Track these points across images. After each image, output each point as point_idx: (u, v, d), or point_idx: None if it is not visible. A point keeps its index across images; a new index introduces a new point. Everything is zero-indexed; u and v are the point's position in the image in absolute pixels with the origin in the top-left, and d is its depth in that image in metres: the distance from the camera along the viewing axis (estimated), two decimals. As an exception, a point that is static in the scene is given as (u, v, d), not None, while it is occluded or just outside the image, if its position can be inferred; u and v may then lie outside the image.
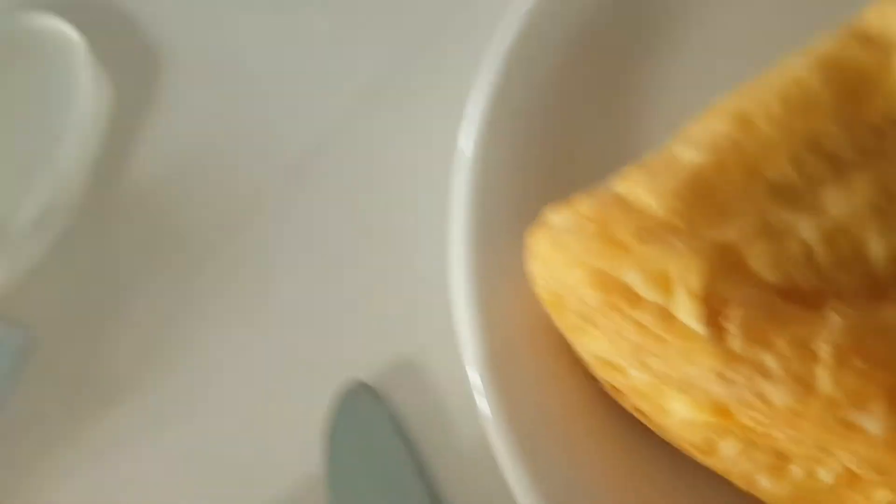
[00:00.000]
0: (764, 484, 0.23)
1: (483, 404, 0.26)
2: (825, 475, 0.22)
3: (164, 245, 0.33)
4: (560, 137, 0.29)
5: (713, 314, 0.21)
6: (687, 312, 0.22)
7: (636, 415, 0.26)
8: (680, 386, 0.23)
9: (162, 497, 0.31)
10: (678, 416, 0.24)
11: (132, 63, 0.36)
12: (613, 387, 0.25)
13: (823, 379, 0.20)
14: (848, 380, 0.20)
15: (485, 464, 0.27)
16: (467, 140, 0.28)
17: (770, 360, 0.21)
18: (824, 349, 0.21)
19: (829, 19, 0.27)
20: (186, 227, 0.33)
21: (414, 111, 0.33)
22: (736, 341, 0.21)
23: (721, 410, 0.22)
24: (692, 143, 0.24)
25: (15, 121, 0.38)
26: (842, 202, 0.23)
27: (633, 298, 0.22)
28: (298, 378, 0.31)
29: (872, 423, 0.20)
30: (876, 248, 0.22)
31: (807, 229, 0.22)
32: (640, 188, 0.24)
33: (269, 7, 0.37)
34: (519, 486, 0.25)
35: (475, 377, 0.26)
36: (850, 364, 0.20)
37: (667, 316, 0.22)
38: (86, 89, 0.37)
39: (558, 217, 0.25)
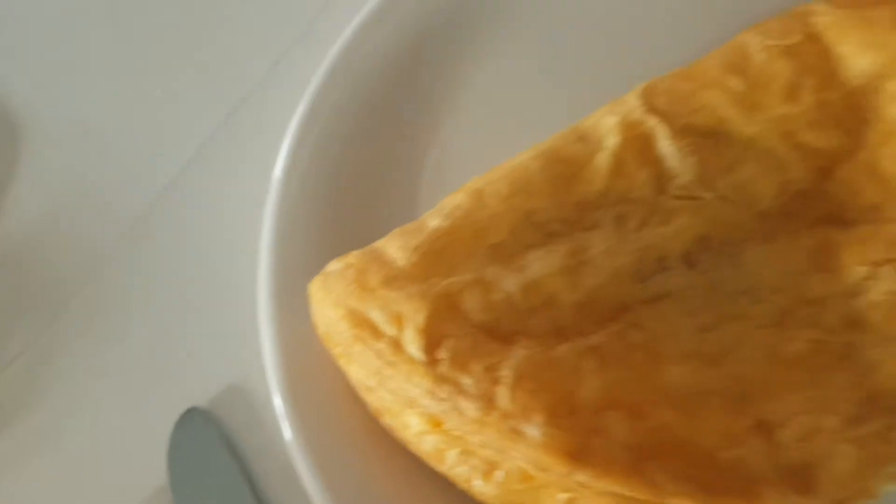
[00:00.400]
0: (478, 486, 0.29)
1: (284, 426, 0.32)
2: (515, 476, 0.28)
3: (28, 295, 0.38)
4: (350, 204, 0.35)
5: (431, 345, 0.28)
6: (412, 343, 0.28)
7: (390, 432, 0.32)
8: (410, 403, 0.29)
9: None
10: (413, 429, 0.30)
11: None
12: (374, 407, 0.32)
13: (503, 396, 0.27)
14: (519, 397, 0.27)
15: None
16: (271, 201, 0.35)
17: (467, 382, 0.27)
18: (506, 374, 0.27)
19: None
20: (47, 278, 0.38)
21: (238, 164, 0.39)
22: (445, 366, 0.27)
23: (436, 422, 0.28)
24: (438, 211, 0.31)
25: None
26: (541, 263, 0.29)
27: (375, 332, 0.28)
28: (145, 408, 0.36)
29: (534, 430, 0.26)
30: (564, 299, 0.29)
31: (511, 283, 0.29)
32: (393, 245, 0.30)
33: (114, 77, 0.42)
34: (314, 493, 0.31)
35: (278, 403, 0.33)
36: (522, 386, 0.27)
37: (398, 346, 0.28)
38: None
39: (333, 266, 0.31)
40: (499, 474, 0.29)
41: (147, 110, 0.41)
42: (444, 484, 0.31)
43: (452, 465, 0.29)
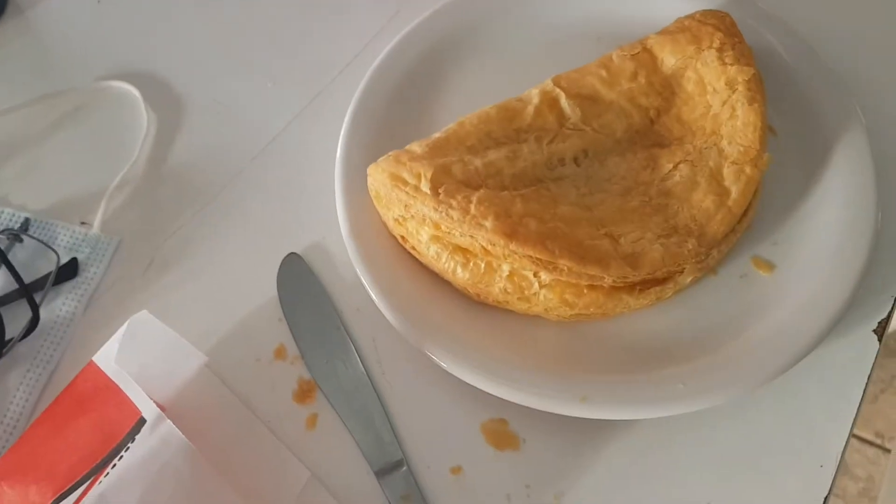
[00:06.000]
0: (459, 273, 0.50)
1: (351, 252, 0.53)
2: (480, 262, 0.49)
3: (189, 194, 0.59)
4: (391, 134, 0.57)
5: (435, 187, 0.49)
6: (425, 186, 0.49)
7: (413, 253, 0.52)
8: (422, 220, 0.50)
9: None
10: (424, 240, 0.50)
11: (167, 107, 0.64)
12: (402, 237, 0.52)
13: (473, 208, 0.48)
14: (481, 209, 0.48)
15: (360, 295, 0.53)
16: (342, 138, 0.56)
17: (454, 203, 0.48)
18: (474, 199, 0.48)
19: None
20: (201, 184, 0.60)
21: (318, 124, 0.61)
22: (442, 196, 0.48)
23: (437, 226, 0.49)
24: (440, 132, 0.53)
25: (104, 137, 0.65)
26: (493, 154, 0.51)
27: (405, 183, 0.50)
28: (262, 252, 0.56)
29: (488, 223, 0.47)
30: (506, 172, 0.50)
31: (478, 162, 0.50)
32: (414, 145, 0.52)
33: (240, 74, 0.65)
34: (376, 297, 0.51)
35: (348, 242, 0.53)
36: (483, 204, 0.48)
37: (417, 188, 0.49)
38: (142, 121, 0.64)
39: (382, 157, 0.52)
40: (470, 265, 0.50)
41: (261, 92, 0.64)
42: (440, 281, 0.52)
43: (445, 262, 0.50)
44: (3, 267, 0.55)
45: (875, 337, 0.51)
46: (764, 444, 0.49)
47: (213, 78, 0.65)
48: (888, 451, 1.48)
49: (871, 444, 1.42)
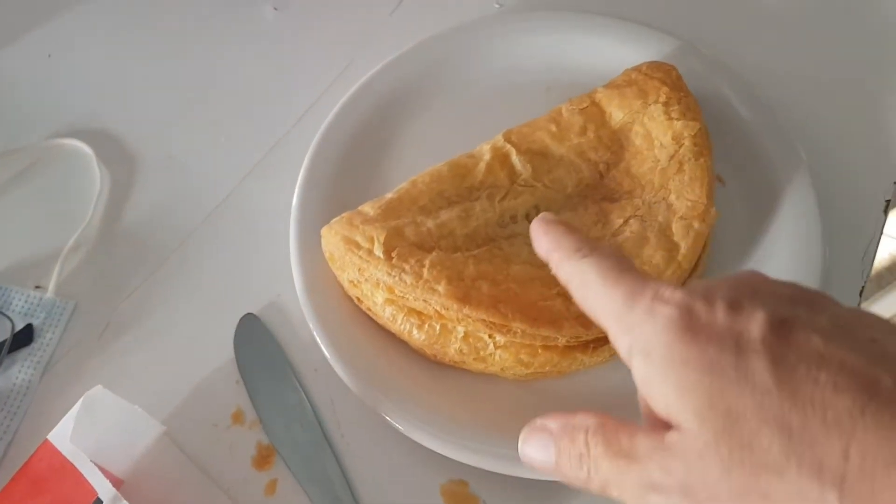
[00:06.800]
0: (415, 335, 0.50)
1: (307, 314, 0.53)
2: (435, 324, 0.49)
3: (143, 254, 0.59)
4: (342, 192, 0.57)
5: (388, 251, 0.49)
6: (378, 250, 0.49)
7: (369, 314, 0.52)
8: (377, 284, 0.50)
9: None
10: (379, 302, 0.51)
11: (120, 165, 0.63)
12: (358, 298, 0.52)
13: (426, 272, 0.48)
14: (434, 273, 0.48)
15: (318, 355, 0.52)
16: (296, 197, 0.56)
17: (407, 267, 0.48)
18: (427, 263, 0.48)
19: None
20: (154, 244, 0.59)
21: (272, 180, 0.61)
22: (395, 260, 0.49)
23: (391, 290, 0.49)
24: (391, 192, 0.53)
25: (57, 197, 0.64)
26: (446, 215, 0.51)
27: (359, 246, 0.50)
28: (219, 313, 0.56)
29: (441, 288, 0.47)
30: (459, 232, 0.51)
31: (430, 223, 0.50)
32: (367, 206, 0.52)
33: (193, 127, 0.65)
34: (331, 358, 0.51)
35: (304, 303, 0.53)
36: (435, 268, 0.48)
37: (371, 252, 0.49)
38: (95, 179, 0.63)
39: (335, 219, 0.52)
40: (426, 327, 0.50)
41: (214, 147, 0.64)
42: (396, 341, 0.52)
43: (401, 323, 0.50)
44: (-44, 337, 0.54)
45: (823, 384, 0.52)
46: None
47: (166, 134, 0.65)
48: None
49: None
